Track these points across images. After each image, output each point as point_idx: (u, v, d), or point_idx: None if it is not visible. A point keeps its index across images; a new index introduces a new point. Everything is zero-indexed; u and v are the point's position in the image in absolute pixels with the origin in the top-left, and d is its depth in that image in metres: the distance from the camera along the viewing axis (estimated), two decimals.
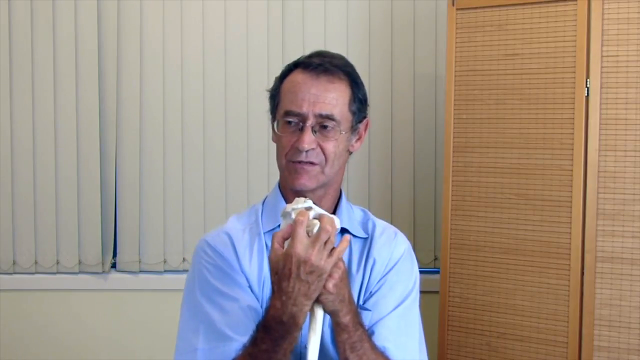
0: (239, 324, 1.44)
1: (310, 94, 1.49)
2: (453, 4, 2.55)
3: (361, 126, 1.59)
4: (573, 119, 2.34)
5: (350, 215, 1.61)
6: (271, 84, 1.59)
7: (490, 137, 2.50)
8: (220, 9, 3.02)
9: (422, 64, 3.05)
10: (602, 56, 2.30)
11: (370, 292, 1.54)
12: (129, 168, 3.02)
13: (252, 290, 1.50)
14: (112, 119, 3.02)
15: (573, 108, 2.34)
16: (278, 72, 1.59)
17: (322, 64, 1.51)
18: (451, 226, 2.57)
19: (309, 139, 1.48)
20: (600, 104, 2.30)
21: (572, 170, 2.34)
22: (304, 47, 2.97)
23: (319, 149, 1.50)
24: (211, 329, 1.45)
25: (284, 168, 1.53)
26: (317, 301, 1.35)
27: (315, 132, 1.49)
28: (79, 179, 3.01)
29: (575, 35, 2.34)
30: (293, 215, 1.34)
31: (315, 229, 1.32)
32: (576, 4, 2.34)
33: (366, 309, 1.51)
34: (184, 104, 3.03)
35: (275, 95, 1.56)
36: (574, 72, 2.34)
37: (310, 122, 1.49)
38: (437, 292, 2.63)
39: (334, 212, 1.57)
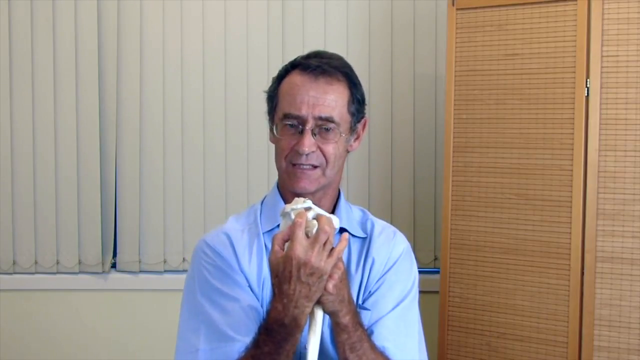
0: (240, 324, 1.44)
1: (309, 96, 1.49)
2: (453, 4, 2.55)
3: (359, 126, 1.58)
4: (573, 119, 2.34)
5: (349, 214, 1.61)
6: (271, 83, 1.59)
7: (490, 137, 2.50)
8: (220, 9, 3.02)
9: (422, 64, 3.05)
10: (602, 56, 2.30)
11: (370, 291, 1.54)
12: (129, 168, 3.02)
13: (252, 290, 1.50)
14: (112, 119, 3.02)
15: (573, 108, 2.34)
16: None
17: (321, 66, 1.50)
18: (451, 226, 2.57)
19: (309, 142, 1.48)
20: (600, 104, 2.30)
21: (572, 170, 2.34)
22: (303, 47, 2.97)
23: (319, 152, 1.50)
24: (212, 329, 1.45)
25: (284, 171, 1.53)
26: (317, 302, 1.35)
27: (314, 134, 1.49)
28: (79, 179, 3.01)
29: (575, 35, 2.34)
30: (292, 216, 1.34)
31: (314, 230, 1.32)
32: (576, 4, 2.34)
33: (365, 309, 1.51)
34: (184, 104, 3.03)
35: (273, 96, 1.56)
36: (574, 72, 2.34)
37: (309, 125, 1.48)
38: (437, 292, 2.63)
39: (332, 212, 1.57)
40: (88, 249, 3.02)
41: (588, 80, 2.32)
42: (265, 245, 1.53)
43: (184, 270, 2.98)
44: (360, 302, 1.53)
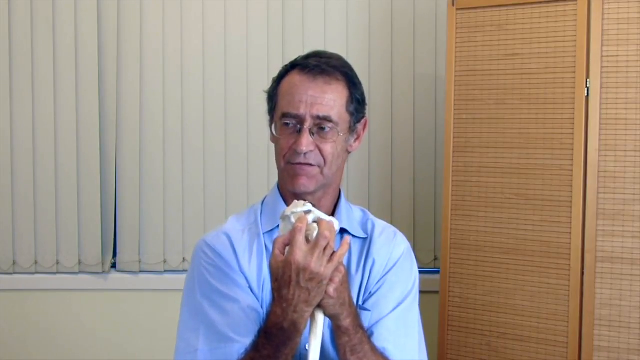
0: (239, 325, 1.44)
1: (308, 95, 1.49)
2: (453, 4, 2.55)
3: (359, 126, 1.58)
4: (573, 119, 2.34)
5: (350, 215, 1.61)
6: (271, 84, 1.59)
7: (490, 137, 2.50)
8: (220, 9, 3.02)
9: (422, 64, 3.05)
10: (602, 56, 2.30)
11: (370, 292, 1.53)
12: (129, 168, 3.02)
13: (252, 291, 1.50)
14: (112, 119, 3.02)
15: (573, 108, 2.34)
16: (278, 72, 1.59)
17: (319, 65, 1.51)
18: (451, 226, 2.57)
19: (306, 141, 1.48)
20: (600, 104, 2.30)
21: (572, 170, 2.34)
22: (304, 47, 2.97)
23: (317, 151, 1.50)
24: (212, 330, 1.45)
25: (283, 170, 1.53)
26: (318, 305, 1.35)
27: (313, 134, 1.49)
28: (79, 179, 3.00)
29: (575, 35, 2.34)
30: (293, 220, 1.34)
31: (315, 234, 1.32)
32: (576, 4, 2.34)
33: (366, 309, 1.51)
34: (184, 104, 3.03)
35: (272, 96, 1.56)
36: (574, 72, 2.34)
37: (307, 124, 1.48)
38: (437, 292, 2.63)
39: (333, 213, 1.57)
40: (88, 249, 3.02)
41: (588, 80, 2.32)
42: (266, 246, 1.53)
43: (184, 270, 2.98)
44: (360, 302, 1.53)
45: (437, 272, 2.74)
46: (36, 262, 3.02)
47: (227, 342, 1.43)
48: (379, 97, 3.04)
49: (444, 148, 2.62)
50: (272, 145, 1.57)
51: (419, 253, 2.98)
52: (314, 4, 3.03)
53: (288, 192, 1.55)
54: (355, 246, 1.58)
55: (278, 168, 1.55)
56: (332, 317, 1.38)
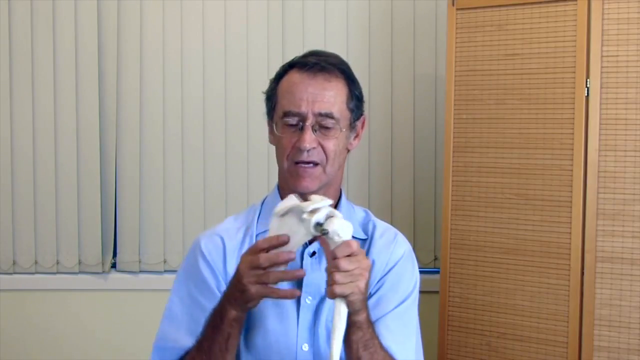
0: (197, 331, 1.48)
1: (308, 93, 1.49)
2: (453, 4, 2.55)
3: (358, 124, 1.59)
4: (573, 119, 2.34)
5: (351, 215, 1.61)
6: (269, 84, 1.59)
7: (490, 137, 2.49)
8: (220, 8, 3.02)
9: (422, 64, 3.05)
10: (602, 56, 2.30)
11: (370, 292, 1.53)
12: (129, 168, 3.02)
13: None
14: (112, 119, 3.02)
15: (573, 108, 2.34)
16: None
17: (318, 63, 1.51)
18: (451, 226, 2.57)
19: (309, 138, 1.48)
20: (600, 104, 2.30)
21: (572, 170, 2.34)
22: (303, 47, 2.96)
23: (319, 148, 1.50)
24: (173, 327, 1.53)
25: (286, 170, 1.53)
26: (344, 299, 1.34)
27: (315, 131, 1.49)
28: (79, 179, 3.00)
29: (575, 35, 2.34)
30: (320, 219, 1.32)
31: (316, 206, 1.32)
32: (576, 4, 2.34)
33: None
34: (184, 104, 3.03)
35: (271, 96, 1.56)
36: (574, 72, 2.34)
37: (310, 121, 1.48)
38: (437, 292, 2.63)
39: None
40: (88, 249, 3.02)
41: (588, 80, 2.32)
42: None
43: None
44: None
45: (437, 272, 2.74)
46: (36, 262, 3.02)
47: (178, 343, 1.51)
48: (379, 97, 3.03)
49: (444, 148, 2.61)
50: (272, 146, 1.57)
51: (419, 253, 2.97)
52: (314, 4, 3.03)
53: (289, 192, 1.55)
54: None
55: (280, 168, 1.55)
56: (353, 312, 1.37)
